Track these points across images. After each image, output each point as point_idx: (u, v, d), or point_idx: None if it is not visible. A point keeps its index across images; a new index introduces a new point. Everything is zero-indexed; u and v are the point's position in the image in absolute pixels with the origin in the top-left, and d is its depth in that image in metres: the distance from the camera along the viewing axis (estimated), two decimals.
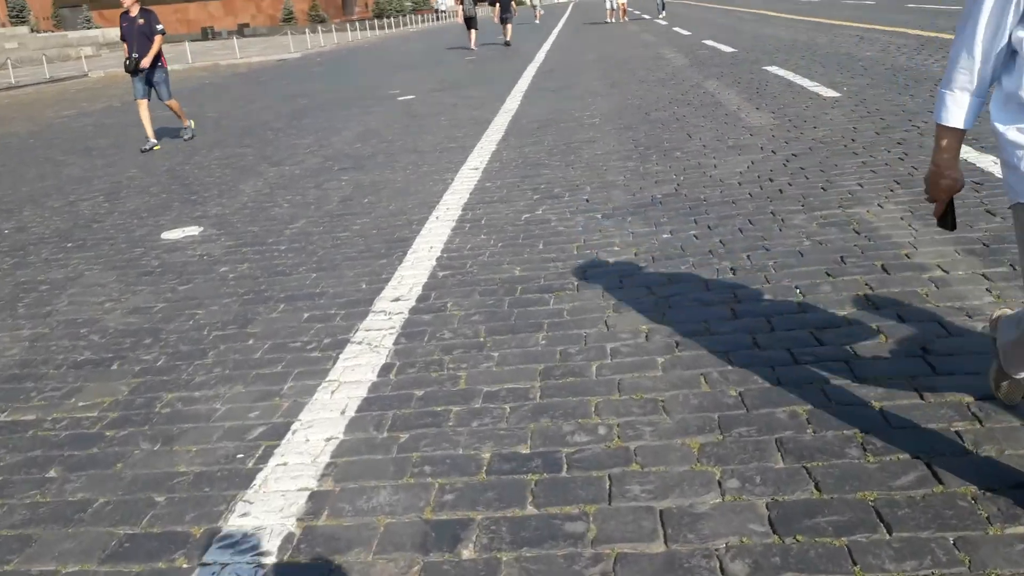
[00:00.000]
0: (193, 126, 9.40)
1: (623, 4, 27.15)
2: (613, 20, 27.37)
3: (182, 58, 29.00)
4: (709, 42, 15.00)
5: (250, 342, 3.13)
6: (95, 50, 39.22)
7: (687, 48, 14.38)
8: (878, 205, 3.95)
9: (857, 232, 3.59)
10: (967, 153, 4.71)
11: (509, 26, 22.31)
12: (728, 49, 13.15)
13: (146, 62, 8.53)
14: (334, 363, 2.83)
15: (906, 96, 6.90)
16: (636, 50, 15.30)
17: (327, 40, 35.11)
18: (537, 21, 37.04)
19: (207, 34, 54.07)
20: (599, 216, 4.38)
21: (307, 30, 39.10)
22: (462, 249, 4.05)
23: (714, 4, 37.70)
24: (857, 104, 6.74)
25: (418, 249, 4.12)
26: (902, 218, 3.72)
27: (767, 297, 2.98)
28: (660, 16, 26.66)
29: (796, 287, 3.03)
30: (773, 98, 7.63)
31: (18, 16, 57.84)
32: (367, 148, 7.47)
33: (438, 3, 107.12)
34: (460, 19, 23.68)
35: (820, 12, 20.95)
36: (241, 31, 55.10)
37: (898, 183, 4.29)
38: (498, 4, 22.54)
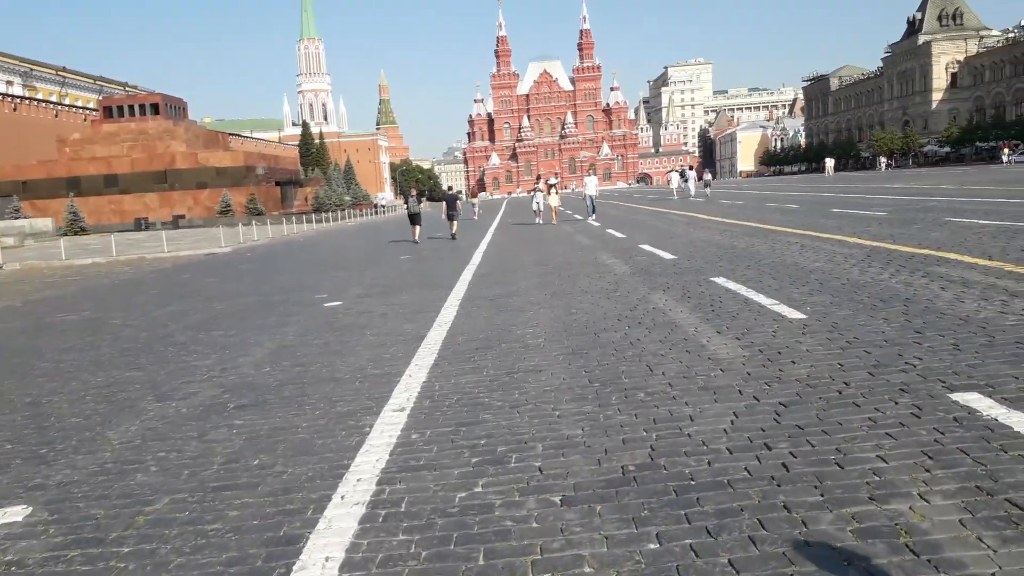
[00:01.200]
0: None
1: (556, 207, 27.46)
2: (540, 221, 27.46)
3: (107, 250, 28.08)
4: (647, 247, 14.85)
5: None
6: (18, 240, 38.12)
7: (625, 253, 14.14)
8: (920, 497, 3.03)
9: (914, 552, 2.63)
10: (993, 409, 3.93)
11: (455, 222, 24.27)
12: (667, 256, 12.88)
13: None
14: None
15: (879, 320, 6.29)
16: (573, 253, 15.02)
17: (262, 233, 34.89)
18: (476, 218, 39.69)
19: (140, 225, 53.81)
20: (558, 501, 3.34)
21: (241, 223, 39.01)
22: (369, 563, 2.93)
23: (641, 205, 39.36)
24: (830, 330, 6.08)
25: (307, 563, 2.97)
26: (962, 522, 2.79)
27: None
28: (591, 218, 27.05)
29: None
30: (732, 319, 6.96)
31: None
32: (275, 374, 6.41)
33: (377, 198, 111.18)
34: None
35: (751, 216, 21.57)
36: (176, 223, 55.12)
37: (929, 457, 3.42)
38: (444, 202, 24.86)
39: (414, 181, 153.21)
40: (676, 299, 8.35)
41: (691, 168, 48.79)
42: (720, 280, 9.39)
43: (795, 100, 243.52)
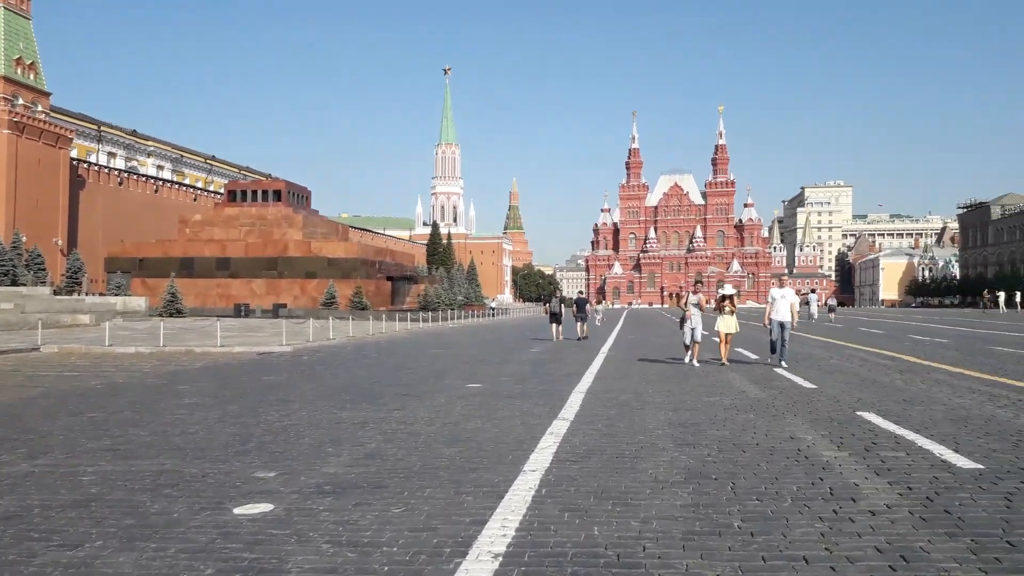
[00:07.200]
0: None
1: (730, 336, 15.66)
2: (695, 363, 15.45)
3: (154, 339, 24.11)
4: (876, 419, 8.53)
5: None
6: (95, 319, 35.40)
7: (845, 431, 7.88)
8: None
9: None
10: None
11: (584, 324, 26.08)
12: (961, 460, 6.54)
13: None
14: None
15: None
16: (742, 422, 8.77)
17: (344, 331, 30.42)
18: (598, 323, 40.78)
19: (240, 311, 51.30)
20: None
21: (341, 316, 35.05)
22: None
23: (812, 334, 32.43)
24: None
25: None
26: None
27: None
28: (783, 363, 14.92)
29: None
30: None
31: (73, 278, 57.01)
32: None
33: (491, 300, 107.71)
34: (545, 312, 27.99)
35: (982, 365, 14.71)
36: (276, 311, 52.30)
37: None
38: (575, 304, 26.90)
39: (535, 285, 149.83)
40: None
41: (813, 291, 56.09)
42: None
43: (944, 229, 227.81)
